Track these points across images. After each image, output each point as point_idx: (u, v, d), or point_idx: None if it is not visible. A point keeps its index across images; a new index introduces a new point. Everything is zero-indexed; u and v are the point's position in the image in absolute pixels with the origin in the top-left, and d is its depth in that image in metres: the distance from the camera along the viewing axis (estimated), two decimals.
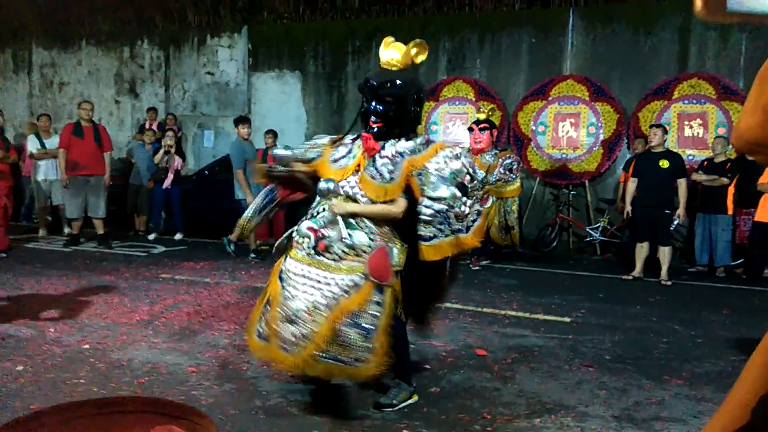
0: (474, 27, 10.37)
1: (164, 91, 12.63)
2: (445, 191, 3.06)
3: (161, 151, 9.48)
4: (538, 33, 10.02)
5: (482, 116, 7.98)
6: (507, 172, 7.62)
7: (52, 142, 9.25)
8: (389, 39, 3.21)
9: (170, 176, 9.45)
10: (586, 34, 9.79)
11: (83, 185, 8.34)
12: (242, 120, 8.39)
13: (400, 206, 3.11)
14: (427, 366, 3.98)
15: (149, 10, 12.53)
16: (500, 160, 7.68)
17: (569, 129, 9.83)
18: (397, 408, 3.23)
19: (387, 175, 3.09)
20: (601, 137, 9.61)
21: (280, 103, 11.66)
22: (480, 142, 7.69)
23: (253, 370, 3.79)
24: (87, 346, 4.13)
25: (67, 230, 9.09)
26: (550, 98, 9.86)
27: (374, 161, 3.13)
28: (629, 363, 4.17)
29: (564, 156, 9.82)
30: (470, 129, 7.94)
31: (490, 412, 3.27)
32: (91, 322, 4.74)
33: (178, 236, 9.60)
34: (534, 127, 9.96)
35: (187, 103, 12.45)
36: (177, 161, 9.59)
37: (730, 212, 7.80)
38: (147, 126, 11.07)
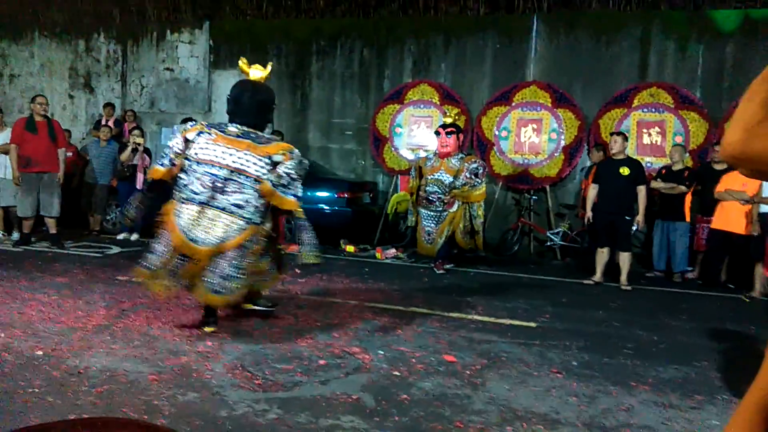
0: (439, 30, 10.39)
1: (121, 86, 12.29)
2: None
3: (128, 149, 9.21)
4: (502, 38, 10.10)
5: (449, 120, 7.99)
6: (473, 177, 7.64)
7: (3, 137, 8.84)
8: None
9: (140, 175, 9.22)
10: (549, 41, 9.91)
11: (36, 182, 8.02)
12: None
13: None
14: (397, 373, 3.92)
15: (106, 3, 12.18)
16: (466, 164, 7.69)
17: (531, 135, 9.93)
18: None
19: None
20: (563, 143, 9.74)
21: None
22: (446, 146, 7.70)
23: (218, 378, 3.66)
24: (40, 353, 3.94)
25: (15, 235, 8.64)
26: (513, 104, 9.94)
27: None
28: (596, 369, 4.19)
29: (526, 161, 9.92)
30: (437, 133, 7.95)
31: (462, 421, 3.23)
32: (44, 327, 4.53)
33: (134, 237, 9.33)
34: (497, 132, 10.03)
35: (145, 100, 12.13)
36: (145, 159, 9.36)
37: (687, 219, 7.98)
38: (103, 122, 10.73)
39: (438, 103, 10.24)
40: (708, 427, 3.30)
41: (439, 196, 7.62)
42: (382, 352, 4.32)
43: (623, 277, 7.32)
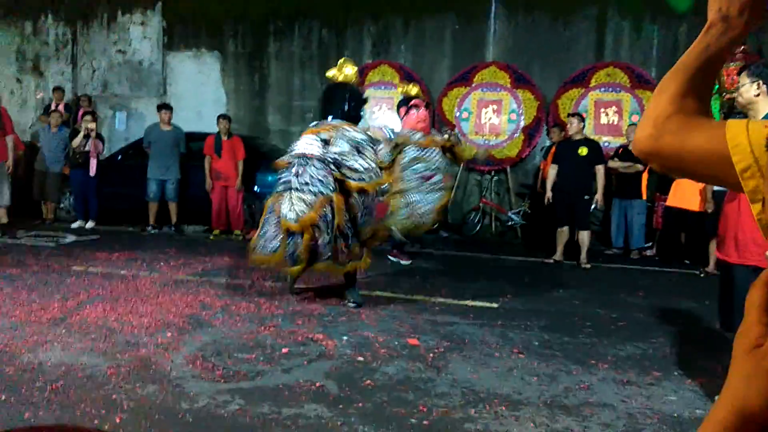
0: (398, 11, 10.29)
1: (71, 69, 11.88)
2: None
3: (80, 135, 8.93)
4: (461, 19, 10.06)
5: (415, 90, 6.83)
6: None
7: None
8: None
9: (93, 162, 8.96)
10: (508, 22, 9.92)
11: None
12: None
13: None
14: (360, 358, 3.91)
15: None
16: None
17: (492, 115, 9.96)
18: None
19: None
20: (522, 124, 9.79)
21: (198, 84, 11.20)
22: (421, 120, 6.40)
23: (178, 369, 3.60)
24: None
25: None
26: (473, 84, 9.94)
27: None
28: (557, 348, 4.25)
29: (486, 142, 9.96)
30: (416, 106, 6.53)
31: (426, 404, 3.24)
32: None
33: (89, 225, 9.09)
34: (458, 114, 10.03)
35: (97, 83, 11.76)
36: (98, 145, 9.10)
37: (644, 197, 8.13)
38: (53, 107, 10.36)
39: (398, 84, 10.16)
40: (665, 403, 3.38)
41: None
42: (345, 338, 4.31)
43: (583, 256, 7.43)
